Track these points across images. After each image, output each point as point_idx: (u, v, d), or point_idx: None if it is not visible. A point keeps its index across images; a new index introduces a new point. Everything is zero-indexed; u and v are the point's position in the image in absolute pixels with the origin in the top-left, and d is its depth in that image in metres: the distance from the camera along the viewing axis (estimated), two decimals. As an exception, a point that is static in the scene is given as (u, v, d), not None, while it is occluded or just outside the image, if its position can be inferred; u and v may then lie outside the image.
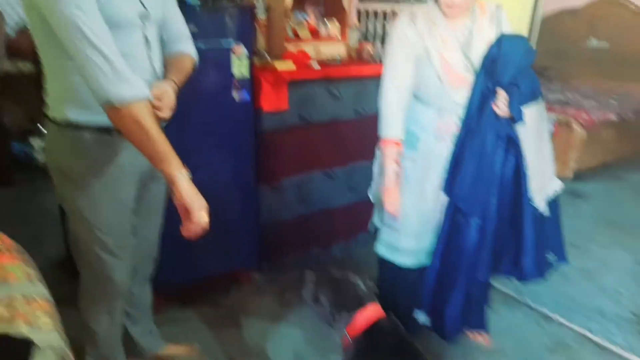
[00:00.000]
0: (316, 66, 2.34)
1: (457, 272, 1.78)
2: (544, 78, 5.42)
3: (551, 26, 5.77)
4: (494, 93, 1.60)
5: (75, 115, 1.29)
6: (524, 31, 2.35)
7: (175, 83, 1.42)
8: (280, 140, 2.33)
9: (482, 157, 1.64)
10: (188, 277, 2.25)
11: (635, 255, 2.84)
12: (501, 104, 1.59)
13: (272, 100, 2.20)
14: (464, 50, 1.64)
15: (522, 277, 1.77)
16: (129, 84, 1.16)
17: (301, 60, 2.43)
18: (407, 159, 1.79)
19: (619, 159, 4.44)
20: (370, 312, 1.41)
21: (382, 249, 1.97)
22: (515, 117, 1.57)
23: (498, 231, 1.72)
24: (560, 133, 3.86)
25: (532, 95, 1.61)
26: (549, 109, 4.03)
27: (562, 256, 1.84)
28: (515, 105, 1.57)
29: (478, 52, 1.62)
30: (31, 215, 3.05)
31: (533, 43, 2.09)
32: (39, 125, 3.42)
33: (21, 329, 0.79)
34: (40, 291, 0.88)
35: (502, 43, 1.58)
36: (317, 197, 2.58)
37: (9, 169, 3.51)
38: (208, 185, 2.07)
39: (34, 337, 0.77)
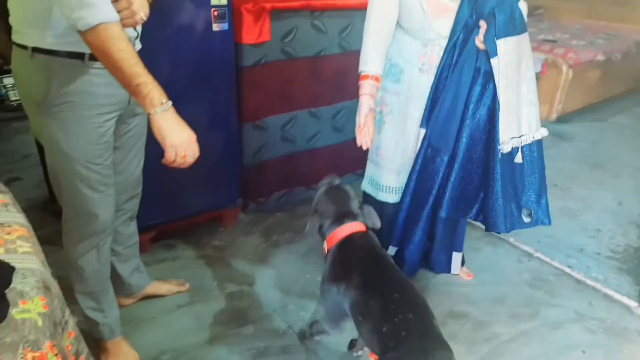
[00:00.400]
0: (300, -5, 2.21)
1: (421, 208, 1.79)
2: (534, 17, 5.32)
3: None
4: (477, 25, 1.52)
5: (44, 41, 1.19)
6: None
7: None
8: (263, 76, 2.23)
9: (458, 92, 1.60)
10: (173, 217, 2.21)
11: (616, 195, 2.89)
12: (480, 36, 1.51)
13: (253, 32, 2.08)
14: None
15: (488, 228, 1.71)
16: (94, 7, 1.06)
17: (284, -11, 2.29)
18: (391, 92, 1.75)
19: (604, 101, 4.44)
20: (350, 227, 1.45)
21: (366, 185, 1.97)
22: (488, 50, 1.50)
23: (466, 171, 1.69)
24: (548, 74, 3.81)
25: (511, 28, 1.50)
26: (537, 48, 3.96)
27: (539, 215, 1.71)
28: (490, 37, 1.49)
29: None
30: (9, 157, 2.95)
31: None
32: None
33: (-4, 254, 0.76)
34: (17, 219, 0.84)
35: None
36: (301, 137, 2.52)
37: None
38: (190, 124, 2.05)
39: (11, 260, 0.74)
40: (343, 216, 1.48)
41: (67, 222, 1.50)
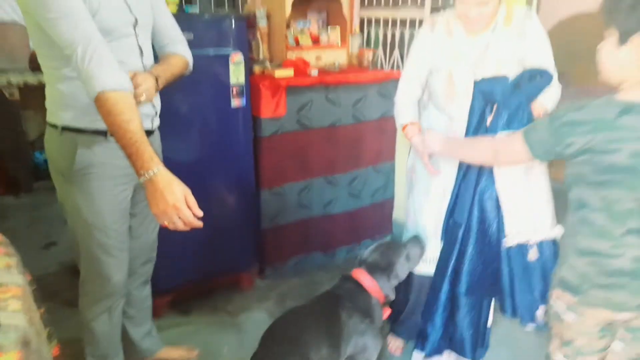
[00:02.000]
0: (314, 73, 2.37)
1: (441, 280, 1.77)
2: (560, 83, 5.36)
3: (566, 29, 5.71)
4: (490, 110, 1.59)
5: (71, 119, 1.36)
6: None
7: (155, 73, 1.43)
8: (280, 145, 2.37)
9: (469, 166, 1.64)
10: (189, 280, 2.29)
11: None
12: (488, 122, 1.58)
13: (271, 107, 2.24)
14: (474, 67, 1.61)
15: (510, 314, 1.69)
16: (98, 78, 1.18)
17: (301, 67, 2.47)
18: (418, 160, 1.81)
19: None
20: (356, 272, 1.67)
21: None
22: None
23: (483, 244, 1.67)
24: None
25: (516, 124, 1.52)
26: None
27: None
28: (495, 127, 1.55)
29: (490, 68, 1.59)
30: (48, 222, 3.16)
31: None
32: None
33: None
34: (15, 280, 0.92)
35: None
36: (317, 203, 2.60)
37: (29, 178, 3.66)
38: (209, 191, 2.18)
39: (-1, 317, 0.82)
40: (365, 262, 1.72)
41: (83, 285, 1.60)
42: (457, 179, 1.69)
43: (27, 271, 1.09)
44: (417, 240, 1.79)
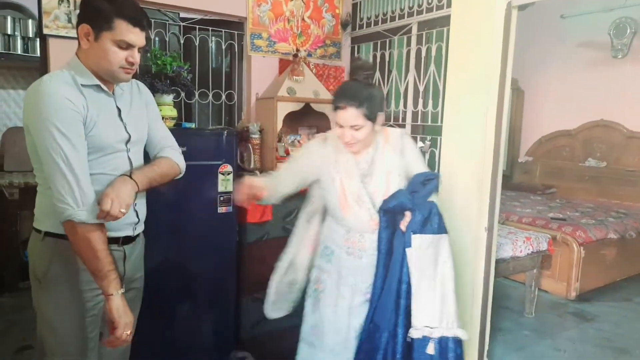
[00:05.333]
0: (301, 183, 2.49)
1: None
2: (546, 196, 5.54)
3: (550, 146, 6.04)
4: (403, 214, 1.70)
5: (55, 227, 1.42)
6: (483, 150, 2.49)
7: (132, 178, 1.44)
8: (264, 252, 2.40)
9: (391, 272, 1.70)
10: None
11: (644, 385, 2.64)
12: (402, 226, 1.68)
13: (257, 213, 2.33)
14: (363, 179, 1.76)
15: None
16: (87, 210, 1.32)
17: (289, 177, 2.61)
18: (324, 271, 1.87)
19: (627, 279, 4.30)
20: None
21: None
22: (406, 240, 1.66)
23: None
24: (558, 252, 3.83)
25: (428, 228, 1.67)
26: (545, 226, 4.06)
27: None
28: (408, 230, 1.66)
29: (378, 181, 1.75)
30: (27, 324, 3.08)
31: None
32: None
33: None
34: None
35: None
36: (301, 310, 2.56)
37: (15, 277, 3.64)
38: (190, 295, 2.18)
39: None
40: None
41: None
42: (376, 280, 1.74)
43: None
44: None
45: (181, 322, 2.20)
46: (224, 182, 2.18)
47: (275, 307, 1.96)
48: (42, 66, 2.35)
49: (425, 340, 1.64)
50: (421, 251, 1.66)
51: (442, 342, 1.65)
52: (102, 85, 1.41)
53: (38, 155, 1.34)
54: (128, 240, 1.56)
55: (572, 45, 5.58)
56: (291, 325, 2.51)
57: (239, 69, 3.06)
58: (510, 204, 4.93)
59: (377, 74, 3.14)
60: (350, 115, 1.64)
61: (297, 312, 2.53)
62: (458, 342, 1.68)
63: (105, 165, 1.41)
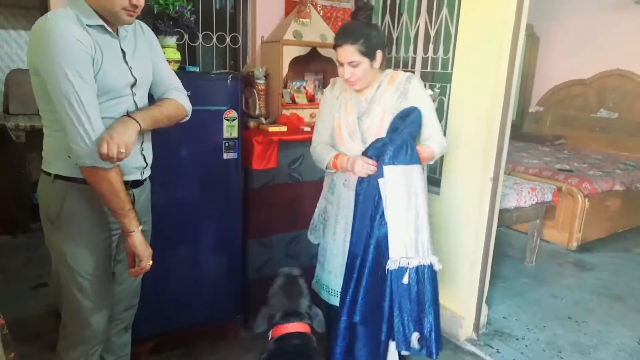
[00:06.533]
0: (307, 129, 2.48)
1: (340, 311, 1.85)
2: (555, 147, 5.49)
3: (561, 96, 5.91)
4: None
5: (64, 169, 1.44)
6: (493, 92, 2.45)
7: (132, 117, 1.40)
8: (270, 197, 2.44)
9: (365, 203, 1.78)
10: (171, 328, 2.29)
11: (636, 332, 2.72)
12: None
13: (263, 160, 2.33)
14: (360, 117, 1.86)
15: (385, 337, 1.76)
16: (85, 155, 1.32)
17: (295, 123, 2.59)
18: (329, 202, 2.02)
19: (630, 230, 4.34)
20: (294, 327, 1.60)
21: (314, 283, 2.13)
22: (378, 172, 1.74)
23: (377, 276, 1.77)
24: (563, 202, 3.84)
25: (400, 158, 1.72)
26: (551, 177, 4.05)
27: (429, 347, 1.72)
28: (381, 162, 1.73)
29: (373, 118, 1.83)
30: (42, 263, 3.19)
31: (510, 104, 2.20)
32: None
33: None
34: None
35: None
36: (306, 254, 2.63)
37: (27, 218, 3.74)
38: (197, 238, 2.23)
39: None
40: (290, 314, 1.63)
41: (63, 328, 1.62)
42: (354, 211, 1.83)
43: (1, 315, 1.12)
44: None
45: (188, 266, 2.26)
46: (229, 128, 2.16)
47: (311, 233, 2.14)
48: (41, 4, 2.28)
49: (401, 270, 1.71)
50: (393, 182, 1.72)
51: (418, 270, 1.72)
52: (107, 26, 1.37)
53: (45, 96, 1.33)
54: (136, 184, 1.58)
55: (593, -12, 5.31)
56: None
57: (243, 11, 2.95)
58: (518, 154, 4.89)
59: (387, 18, 3.02)
60: (347, 51, 1.74)
61: (301, 256, 2.61)
62: (433, 270, 1.76)
63: (112, 109, 1.40)
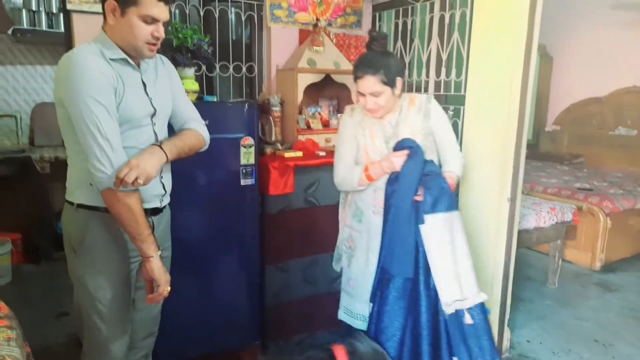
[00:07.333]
0: (322, 154, 2.51)
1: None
2: (574, 165, 5.42)
3: (579, 114, 5.86)
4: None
5: (87, 199, 1.48)
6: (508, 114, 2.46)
7: (162, 148, 1.47)
8: (287, 222, 2.45)
9: (399, 224, 1.81)
10: (190, 355, 2.29)
11: (667, 355, 2.63)
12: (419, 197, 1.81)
13: (279, 185, 2.36)
14: (387, 141, 1.90)
15: None
16: (104, 178, 1.36)
17: (310, 148, 2.62)
18: (356, 230, 2.01)
19: (656, 250, 4.23)
20: None
21: (342, 314, 2.10)
22: (419, 218, 1.79)
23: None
24: (584, 222, 3.77)
25: (439, 207, 1.78)
26: (571, 196, 3.99)
27: None
28: (421, 209, 1.78)
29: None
30: (64, 291, 3.23)
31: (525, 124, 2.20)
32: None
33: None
34: (14, 353, 0.98)
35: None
36: (323, 279, 2.62)
37: (50, 247, 3.81)
38: (215, 265, 2.25)
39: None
40: None
41: (84, 357, 1.64)
42: (384, 215, 1.87)
43: (28, 344, 1.15)
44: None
45: (206, 292, 2.28)
46: (246, 155, 2.21)
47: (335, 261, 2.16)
48: (67, 41, 2.39)
49: (458, 313, 1.75)
50: (436, 228, 1.77)
51: (471, 310, 1.77)
52: (129, 60, 1.44)
53: (69, 128, 1.39)
54: (156, 211, 1.62)
55: (605, 7, 5.32)
56: (310, 294, 2.59)
57: (258, 41, 3.04)
58: (536, 174, 4.84)
59: (399, 43, 3.07)
60: (369, 82, 1.78)
61: (317, 282, 2.61)
62: (483, 305, 1.82)
63: (132, 139, 1.46)
